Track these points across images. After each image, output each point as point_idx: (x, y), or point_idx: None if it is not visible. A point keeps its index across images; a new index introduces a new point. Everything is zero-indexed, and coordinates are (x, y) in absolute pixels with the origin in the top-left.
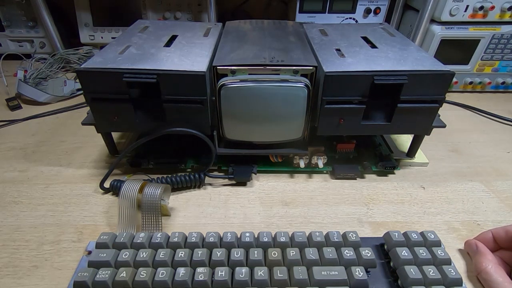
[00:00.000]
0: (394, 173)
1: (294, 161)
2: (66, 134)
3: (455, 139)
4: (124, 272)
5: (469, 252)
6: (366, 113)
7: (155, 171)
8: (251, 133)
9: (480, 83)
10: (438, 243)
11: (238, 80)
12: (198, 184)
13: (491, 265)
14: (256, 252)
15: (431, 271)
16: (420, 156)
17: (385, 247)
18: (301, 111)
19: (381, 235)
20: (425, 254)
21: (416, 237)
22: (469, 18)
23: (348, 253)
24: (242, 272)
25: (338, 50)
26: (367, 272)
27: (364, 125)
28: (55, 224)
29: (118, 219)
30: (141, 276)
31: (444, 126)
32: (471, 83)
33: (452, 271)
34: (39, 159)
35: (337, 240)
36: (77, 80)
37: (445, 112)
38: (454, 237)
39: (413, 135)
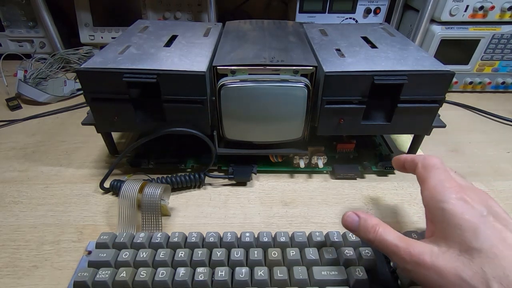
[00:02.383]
0: (394, 173)
1: (294, 161)
2: (66, 134)
3: (455, 139)
4: (124, 272)
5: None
6: (366, 113)
7: (155, 171)
8: (251, 133)
9: (480, 83)
10: None
11: (238, 80)
12: (198, 184)
13: (380, 227)
14: (256, 252)
15: None
16: None
17: None
18: (301, 111)
19: None
20: None
21: (416, 237)
22: (469, 18)
23: (348, 253)
24: (242, 272)
25: (338, 50)
26: (367, 272)
27: (364, 125)
28: (55, 224)
29: (118, 219)
30: (141, 276)
31: (444, 126)
32: (471, 83)
33: None
34: (39, 159)
35: (337, 240)
36: (77, 80)
37: (445, 112)
38: None
39: (413, 135)
